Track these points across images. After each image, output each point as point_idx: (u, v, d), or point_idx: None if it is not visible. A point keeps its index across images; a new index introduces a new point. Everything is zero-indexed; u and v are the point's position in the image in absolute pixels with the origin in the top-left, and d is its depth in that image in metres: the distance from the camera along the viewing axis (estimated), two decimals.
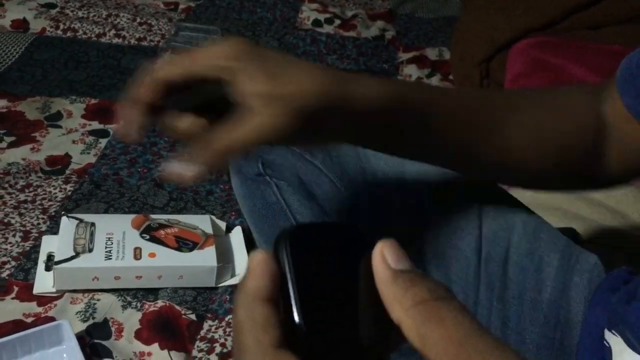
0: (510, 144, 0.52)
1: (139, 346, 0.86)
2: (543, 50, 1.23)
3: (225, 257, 0.98)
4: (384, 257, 0.29)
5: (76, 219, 0.96)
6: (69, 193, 1.11)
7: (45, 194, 1.10)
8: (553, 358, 0.60)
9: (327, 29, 1.78)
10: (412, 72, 1.63)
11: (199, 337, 0.90)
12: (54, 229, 1.03)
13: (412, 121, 0.47)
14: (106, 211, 0.99)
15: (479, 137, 0.51)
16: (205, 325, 0.92)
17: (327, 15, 1.83)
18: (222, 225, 1.05)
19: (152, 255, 0.92)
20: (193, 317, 0.93)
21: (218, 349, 0.88)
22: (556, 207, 1.05)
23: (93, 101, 1.36)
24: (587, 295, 0.63)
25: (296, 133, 0.41)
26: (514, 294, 0.65)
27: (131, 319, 0.89)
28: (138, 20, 1.69)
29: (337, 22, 1.81)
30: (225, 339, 0.90)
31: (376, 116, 0.45)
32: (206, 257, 0.94)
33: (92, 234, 0.92)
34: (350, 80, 0.44)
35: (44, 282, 0.91)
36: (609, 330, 0.51)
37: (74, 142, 1.24)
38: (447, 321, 0.26)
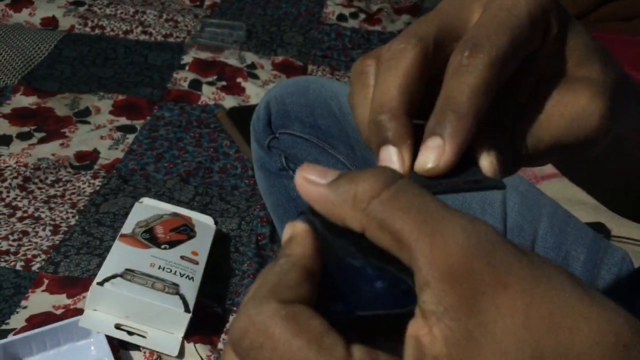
0: None
1: None
2: None
3: None
4: (309, 179, 0.24)
5: None
6: (97, 188, 1.13)
7: (74, 188, 1.12)
8: None
9: (352, 23, 1.78)
10: None
11: (224, 330, 0.91)
12: (82, 223, 1.05)
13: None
14: (132, 205, 1.00)
15: None
16: (231, 319, 0.93)
17: (352, 10, 1.82)
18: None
19: None
20: (219, 310, 0.94)
21: None
22: (585, 202, 1.03)
23: (120, 97, 1.38)
24: (615, 289, 0.62)
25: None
26: None
27: None
28: (164, 16, 1.70)
29: (362, 16, 1.80)
30: None
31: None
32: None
33: None
34: None
35: None
36: None
37: (102, 137, 1.26)
38: (414, 207, 0.22)
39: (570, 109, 0.30)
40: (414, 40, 0.28)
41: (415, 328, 0.21)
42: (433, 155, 0.26)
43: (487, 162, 0.28)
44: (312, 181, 0.24)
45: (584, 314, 0.21)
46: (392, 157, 0.27)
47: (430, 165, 0.27)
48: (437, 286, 0.21)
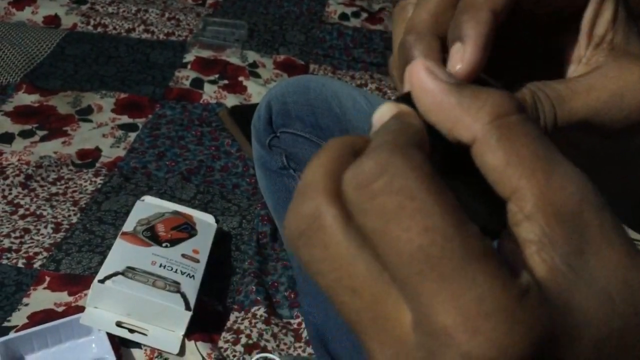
0: None
1: None
2: None
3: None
4: (435, 72, 0.22)
5: None
6: (99, 186, 1.13)
7: (76, 186, 1.13)
8: None
9: (354, 22, 1.78)
10: None
11: (225, 328, 0.91)
12: (84, 221, 1.05)
13: None
14: (133, 203, 1.00)
15: None
16: (232, 317, 0.93)
17: (354, 9, 1.82)
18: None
19: None
20: (220, 308, 0.94)
21: (243, 340, 0.89)
22: None
23: (123, 95, 1.38)
24: None
25: None
26: None
27: None
28: (167, 15, 1.70)
29: (364, 15, 1.81)
30: (251, 331, 0.91)
31: None
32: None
33: None
34: None
35: None
36: None
37: (104, 135, 1.26)
38: (537, 140, 0.21)
39: (615, 82, 0.29)
40: None
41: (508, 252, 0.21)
42: (453, 60, 0.25)
43: None
44: (437, 75, 0.22)
45: None
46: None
47: (453, 69, 0.25)
48: (543, 220, 0.20)
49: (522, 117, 0.21)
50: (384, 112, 0.23)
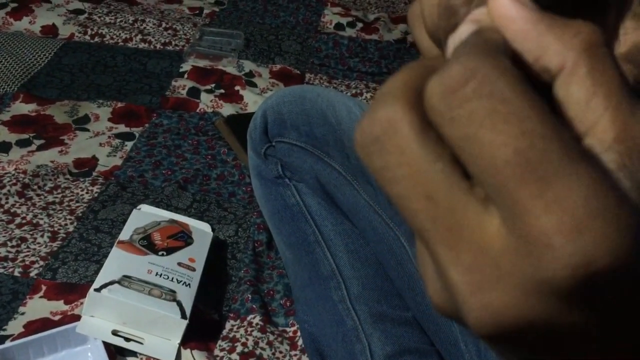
0: None
1: None
2: None
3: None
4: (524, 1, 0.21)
5: None
6: (96, 195, 1.14)
7: (72, 195, 1.13)
8: None
9: (350, 32, 1.79)
10: None
11: (221, 336, 0.92)
12: (80, 230, 1.05)
13: None
14: (130, 212, 1.01)
15: None
16: (227, 325, 0.94)
17: (350, 19, 1.84)
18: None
19: None
20: (215, 316, 0.94)
21: (239, 348, 0.90)
22: None
23: (119, 105, 1.39)
24: None
25: None
26: None
27: None
28: (163, 25, 1.71)
29: (359, 25, 1.82)
30: (247, 339, 0.91)
31: None
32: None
33: None
34: None
35: None
36: None
37: (100, 145, 1.26)
38: (621, 76, 0.20)
39: None
40: None
41: None
42: None
43: None
44: (525, 3, 0.21)
45: None
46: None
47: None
48: (624, 152, 0.20)
49: (609, 51, 0.20)
50: (462, 31, 0.22)
